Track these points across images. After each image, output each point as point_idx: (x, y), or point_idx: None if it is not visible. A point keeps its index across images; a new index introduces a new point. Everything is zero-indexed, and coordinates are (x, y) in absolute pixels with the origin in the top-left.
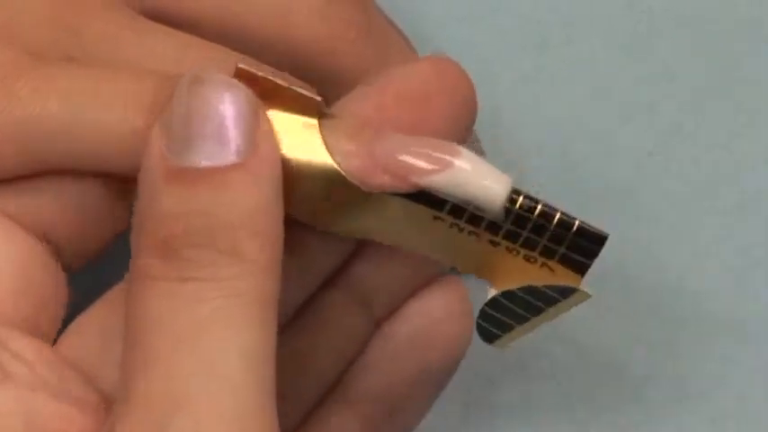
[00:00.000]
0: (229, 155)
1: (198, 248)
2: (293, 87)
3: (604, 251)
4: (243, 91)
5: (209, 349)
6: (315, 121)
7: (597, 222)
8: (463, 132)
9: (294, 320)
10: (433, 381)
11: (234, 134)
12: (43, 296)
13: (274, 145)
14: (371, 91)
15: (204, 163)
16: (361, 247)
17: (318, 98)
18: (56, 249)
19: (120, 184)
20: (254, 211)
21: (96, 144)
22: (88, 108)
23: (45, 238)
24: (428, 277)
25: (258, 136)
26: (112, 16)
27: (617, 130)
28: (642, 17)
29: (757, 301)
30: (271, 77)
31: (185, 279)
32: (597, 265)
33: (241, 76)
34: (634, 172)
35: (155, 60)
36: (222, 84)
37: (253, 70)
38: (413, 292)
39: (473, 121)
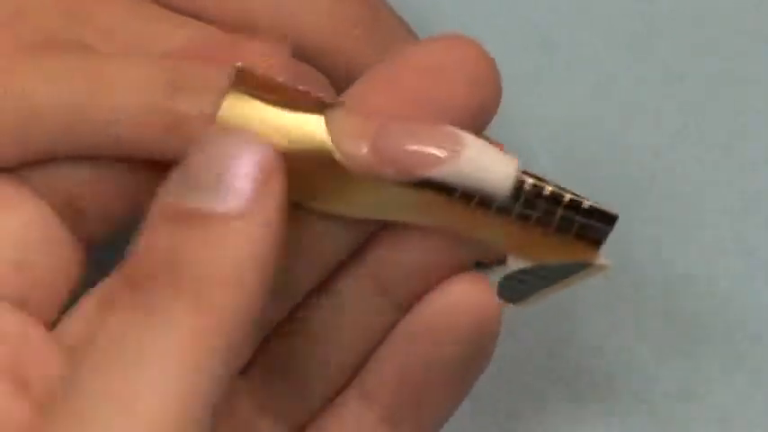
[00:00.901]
0: (229, 205)
1: (162, 286)
2: (294, 85)
3: (610, 251)
4: (261, 151)
5: (135, 388)
6: (319, 117)
7: None
8: (485, 113)
9: (310, 308)
10: (458, 374)
11: (239, 189)
12: (43, 272)
13: (278, 206)
14: (388, 66)
15: (202, 207)
16: (379, 234)
17: (320, 94)
18: (78, 216)
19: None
20: (232, 262)
21: (110, 126)
22: (101, 89)
23: (69, 201)
24: (452, 268)
25: (264, 195)
26: (120, 2)
27: (621, 130)
28: (645, 18)
29: (763, 300)
30: (271, 76)
31: (141, 310)
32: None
33: (243, 75)
34: (639, 173)
35: (165, 47)
36: (244, 139)
37: (253, 70)
38: (435, 282)
39: (496, 102)
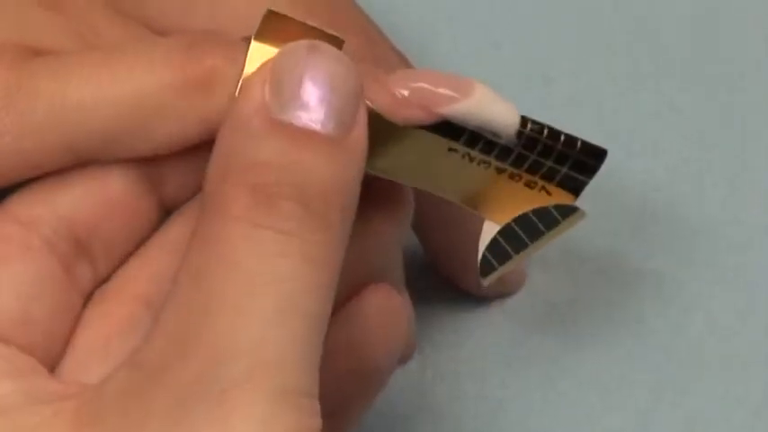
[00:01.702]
0: (334, 127)
1: (291, 202)
2: (322, 28)
3: (612, 281)
4: (355, 70)
5: (280, 307)
6: None
7: (600, 257)
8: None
9: None
10: (372, 385)
11: (341, 109)
12: (45, 322)
13: (366, 132)
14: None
15: (312, 125)
16: None
17: (344, 39)
18: (86, 260)
19: (148, 177)
20: (344, 185)
21: (120, 113)
22: (105, 82)
23: (77, 244)
24: (361, 284)
25: (358, 118)
26: (121, 28)
27: (622, 164)
28: (647, 51)
29: (764, 334)
30: (298, 19)
31: (271, 227)
32: (601, 293)
33: (270, 21)
34: (639, 206)
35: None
36: (338, 58)
37: (283, 13)
38: (346, 297)
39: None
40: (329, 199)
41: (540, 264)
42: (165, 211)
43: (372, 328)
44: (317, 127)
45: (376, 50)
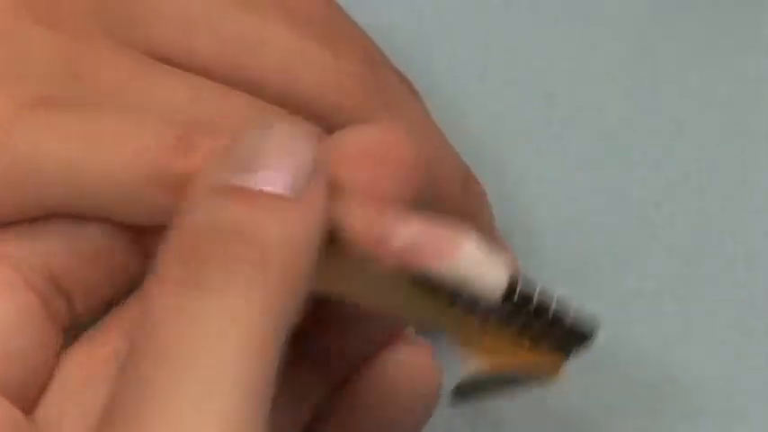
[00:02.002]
0: (286, 189)
1: (225, 261)
2: None
3: (608, 307)
4: (314, 138)
5: (206, 377)
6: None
7: (600, 276)
8: (411, 198)
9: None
10: None
11: (294, 172)
12: (23, 363)
13: (325, 195)
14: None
15: (260, 187)
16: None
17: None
18: (63, 299)
19: (129, 228)
20: (291, 243)
21: (98, 189)
22: (89, 152)
23: (54, 283)
24: (390, 336)
25: (314, 182)
26: (121, 59)
27: (624, 181)
28: (649, 68)
29: (766, 355)
30: None
31: (200, 288)
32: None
33: None
34: (639, 225)
35: (167, 104)
36: (296, 126)
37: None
38: (375, 350)
39: (420, 189)
40: (267, 254)
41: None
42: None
43: (405, 380)
44: (266, 188)
45: (376, 70)
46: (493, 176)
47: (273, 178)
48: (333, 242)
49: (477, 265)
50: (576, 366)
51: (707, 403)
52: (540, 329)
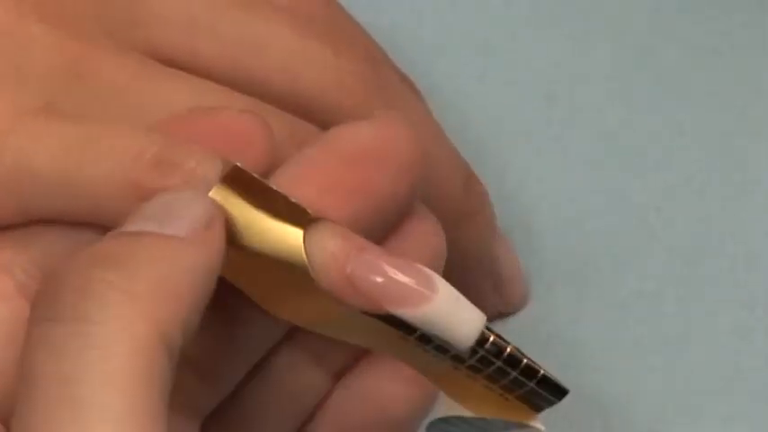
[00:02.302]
0: (174, 230)
1: (101, 292)
2: (284, 194)
3: (608, 312)
4: (208, 204)
5: (79, 407)
6: (299, 230)
7: (601, 277)
8: (411, 197)
9: (246, 379)
10: None
11: (178, 222)
12: (13, 370)
13: (218, 239)
14: (315, 153)
15: (148, 229)
16: None
17: (308, 210)
18: None
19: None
20: (176, 273)
21: (90, 198)
22: (82, 162)
23: None
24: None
25: (208, 229)
26: (123, 61)
27: (624, 182)
28: (651, 71)
29: (763, 354)
30: (263, 181)
31: (56, 321)
32: (601, 314)
33: (236, 173)
34: (641, 224)
35: (169, 106)
36: (194, 195)
37: (248, 171)
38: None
39: (416, 185)
40: (154, 287)
41: (542, 284)
42: None
43: (392, 380)
44: (151, 229)
45: (377, 69)
46: (493, 177)
47: (165, 224)
48: (304, 276)
49: (449, 313)
50: (577, 366)
51: (707, 403)
52: (510, 382)
